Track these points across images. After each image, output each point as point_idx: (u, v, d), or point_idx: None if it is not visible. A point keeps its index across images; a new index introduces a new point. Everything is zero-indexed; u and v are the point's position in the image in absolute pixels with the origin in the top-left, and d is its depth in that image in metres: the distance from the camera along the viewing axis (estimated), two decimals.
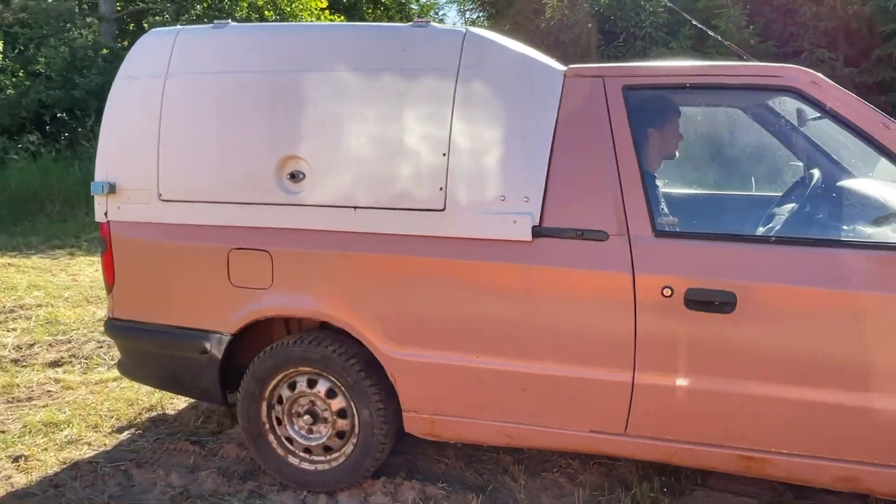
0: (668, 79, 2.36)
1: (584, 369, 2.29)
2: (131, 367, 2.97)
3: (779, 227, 2.36)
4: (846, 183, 2.41)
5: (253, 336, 2.74)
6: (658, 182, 2.48)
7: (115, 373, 3.93)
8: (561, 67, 2.43)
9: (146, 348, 2.85)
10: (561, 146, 2.32)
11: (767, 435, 2.20)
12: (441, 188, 2.37)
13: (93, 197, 2.81)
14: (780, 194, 2.53)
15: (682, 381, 2.20)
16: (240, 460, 2.95)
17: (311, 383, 2.65)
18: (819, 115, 2.22)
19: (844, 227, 2.21)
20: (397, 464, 2.82)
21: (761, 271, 2.12)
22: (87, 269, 6.67)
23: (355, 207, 2.46)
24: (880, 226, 2.12)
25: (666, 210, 2.35)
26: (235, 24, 2.73)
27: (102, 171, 2.77)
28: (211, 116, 2.63)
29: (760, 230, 2.43)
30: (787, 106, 2.43)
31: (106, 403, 3.56)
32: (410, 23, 2.56)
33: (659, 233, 2.23)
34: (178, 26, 2.82)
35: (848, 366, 2.07)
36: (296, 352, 2.61)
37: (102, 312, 5.12)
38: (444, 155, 2.37)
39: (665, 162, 2.67)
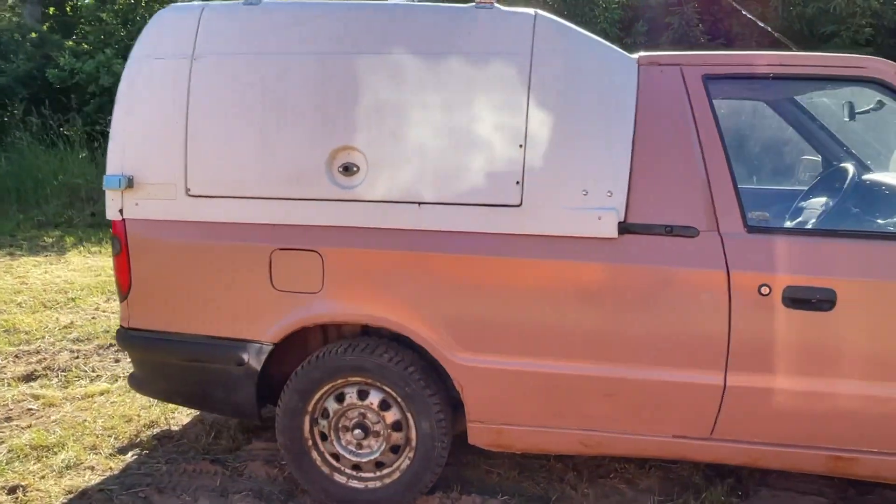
0: (752, 68, 2.28)
1: (673, 372, 2.18)
2: (147, 382, 2.67)
3: (868, 222, 2.32)
4: None
5: (285, 345, 2.49)
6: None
7: (101, 386, 3.59)
8: (632, 56, 2.31)
9: (169, 361, 2.56)
10: (641, 138, 2.20)
11: (858, 434, 2.15)
12: (517, 182, 2.20)
13: (103, 192, 2.50)
14: (850, 188, 2.50)
15: (775, 382, 2.12)
16: (271, 480, 2.70)
17: (362, 394, 2.43)
18: None
19: None
20: (448, 476, 2.63)
21: (861, 267, 2.06)
22: (34, 270, 6.11)
23: (419, 203, 2.26)
24: None
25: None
26: (268, 0, 2.47)
27: (117, 162, 2.45)
28: (248, 103, 2.37)
29: (849, 225, 2.37)
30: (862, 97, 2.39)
31: (99, 421, 3.21)
32: (472, 3, 2.37)
33: (751, 228, 2.14)
34: (199, 2, 2.53)
35: None
36: (347, 361, 2.39)
37: (66, 318, 4.68)
38: (520, 146, 2.20)
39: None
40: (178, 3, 2.58)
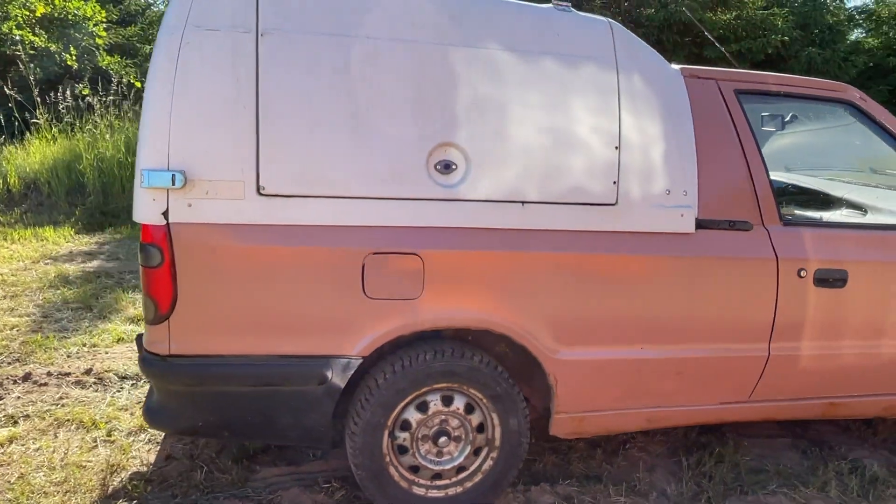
0: (768, 86, 2.68)
1: (731, 346, 2.51)
2: (184, 417, 2.21)
3: (861, 212, 2.88)
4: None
5: None
6: None
7: (6, 432, 2.83)
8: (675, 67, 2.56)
9: (227, 389, 2.16)
10: (698, 143, 2.47)
11: (848, 384, 2.71)
12: (614, 182, 2.32)
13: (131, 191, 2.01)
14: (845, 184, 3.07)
15: (803, 348, 2.58)
16: None
17: (447, 400, 2.35)
18: (864, 121, 2.78)
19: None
20: None
21: (864, 251, 2.60)
22: None
23: (523, 202, 2.25)
24: None
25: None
26: None
27: (160, 154, 2.00)
28: (334, 89, 2.11)
29: (849, 216, 2.90)
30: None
31: (39, 476, 2.55)
32: (552, 4, 2.40)
33: (786, 222, 2.55)
34: None
35: None
36: (436, 367, 2.28)
37: None
38: (616, 148, 2.32)
39: None
40: None
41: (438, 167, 2.19)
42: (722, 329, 2.49)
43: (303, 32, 2.09)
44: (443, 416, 2.36)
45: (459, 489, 2.42)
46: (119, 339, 3.97)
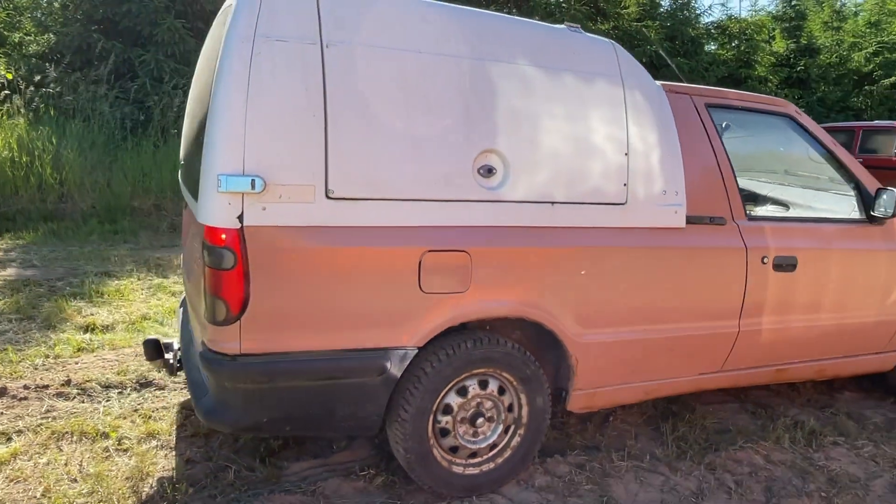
0: (730, 101, 3.12)
1: (711, 324, 2.92)
2: (247, 414, 2.26)
3: (796, 209, 3.39)
4: (818, 181, 3.57)
5: None
6: None
7: (4, 448, 2.71)
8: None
9: (293, 385, 2.25)
10: (681, 149, 2.86)
11: (794, 352, 3.23)
12: (624, 184, 2.64)
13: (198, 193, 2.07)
14: (786, 186, 3.59)
15: (764, 324, 3.04)
16: (367, 492, 2.59)
17: (483, 384, 2.57)
18: (799, 131, 3.30)
19: (828, 209, 3.36)
20: None
21: (808, 241, 3.10)
22: None
23: (552, 203, 2.52)
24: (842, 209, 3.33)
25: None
26: None
27: (236, 159, 2.07)
28: (393, 98, 2.26)
29: (796, 212, 3.40)
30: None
31: (63, 488, 2.48)
32: (564, 25, 2.68)
33: (749, 217, 3.00)
34: None
35: (840, 296, 3.23)
36: (476, 354, 2.50)
37: None
38: (625, 154, 2.64)
39: None
40: None
41: (482, 171, 2.41)
42: (705, 309, 2.90)
43: (362, 45, 2.23)
44: (479, 399, 2.58)
45: (492, 465, 2.65)
46: (80, 349, 3.80)
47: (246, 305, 2.14)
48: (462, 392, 2.54)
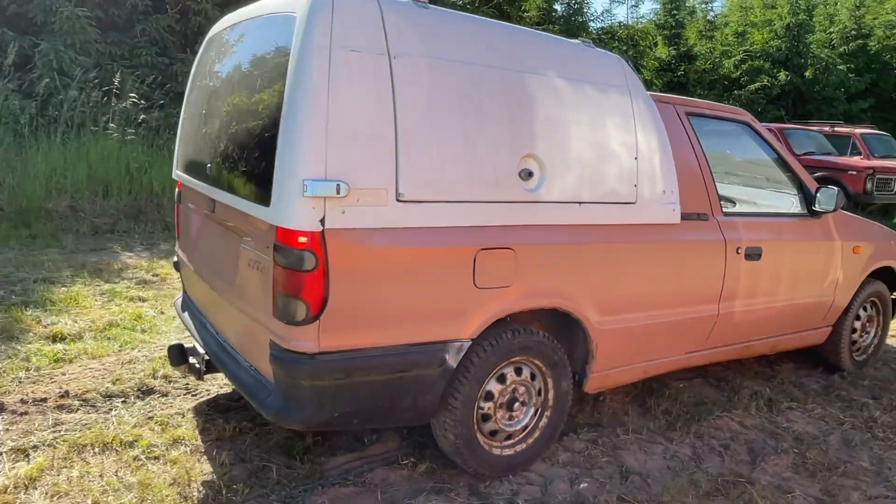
0: (703, 110, 3.51)
1: (698, 308, 3.29)
2: (320, 411, 2.33)
3: (758, 205, 3.84)
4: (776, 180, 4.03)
5: None
6: None
7: (27, 465, 2.61)
8: None
9: (365, 379, 2.35)
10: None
11: (756, 330, 3.68)
12: (634, 185, 2.94)
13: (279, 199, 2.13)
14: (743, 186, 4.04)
15: (736, 306, 3.46)
16: (413, 479, 2.73)
17: (518, 371, 2.78)
18: (754, 137, 3.76)
19: (780, 206, 3.84)
20: None
21: (770, 233, 3.56)
22: None
23: (580, 202, 2.77)
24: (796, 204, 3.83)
25: None
26: (433, 6, 2.50)
27: (318, 164, 2.15)
28: (451, 107, 2.42)
29: (758, 208, 3.84)
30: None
31: (110, 499, 2.44)
32: (579, 40, 2.94)
33: (725, 214, 3.40)
34: None
35: (792, 281, 3.72)
36: (516, 343, 2.70)
37: None
38: (635, 158, 2.94)
39: None
40: None
41: (522, 174, 2.61)
42: (694, 295, 3.26)
43: (424, 57, 2.37)
44: (514, 385, 2.78)
45: (524, 445, 2.86)
46: (57, 360, 3.62)
47: (325, 305, 2.22)
48: (501, 379, 2.73)
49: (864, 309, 4.33)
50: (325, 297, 2.22)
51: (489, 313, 2.57)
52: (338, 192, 2.15)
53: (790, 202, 3.84)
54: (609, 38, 18.22)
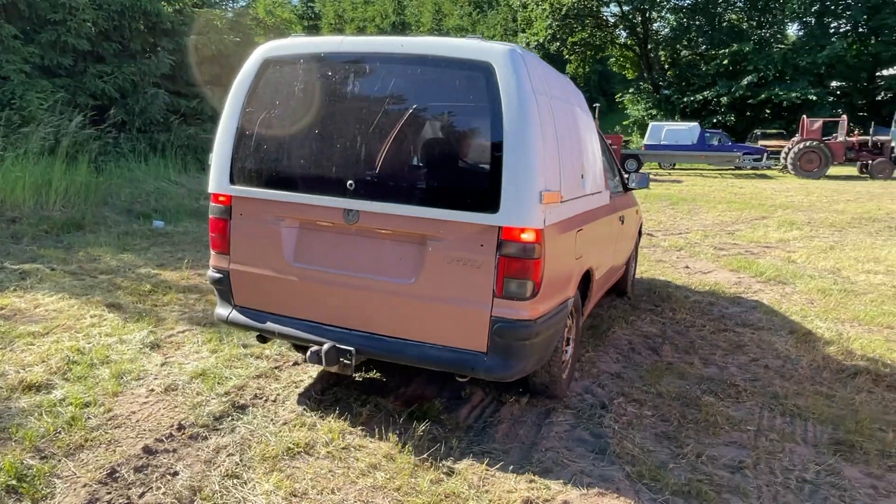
0: None
1: (615, 262, 4.83)
2: (530, 361, 3.16)
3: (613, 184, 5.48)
4: None
5: None
6: None
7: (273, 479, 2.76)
8: None
9: (549, 334, 3.20)
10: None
11: (614, 276, 5.40)
12: (603, 177, 4.27)
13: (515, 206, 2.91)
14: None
15: (615, 259, 5.11)
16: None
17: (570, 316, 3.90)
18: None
19: (619, 184, 5.57)
20: None
21: (623, 205, 5.27)
22: None
23: (592, 194, 3.98)
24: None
25: None
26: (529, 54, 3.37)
27: (540, 177, 2.93)
28: (564, 131, 3.37)
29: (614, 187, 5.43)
30: None
31: (379, 478, 2.80)
32: (567, 74, 4.09)
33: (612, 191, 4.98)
34: (510, 46, 3.03)
35: (627, 239, 5.52)
36: (575, 300, 3.83)
37: None
38: (602, 158, 4.26)
39: None
40: (514, 49, 3.00)
41: (582, 176, 3.71)
42: (618, 247, 4.79)
43: (547, 95, 3.26)
44: (568, 325, 3.89)
45: (568, 369, 4.00)
46: (85, 405, 3.27)
47: (542, 282, 3.02)
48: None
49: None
50: (541, 276, 3.02)
51: (579, 277, 3.63)
52: (560, 200, 2.99)
53: (619, 182, 5.66)
54: (256, 25, 18.53)
